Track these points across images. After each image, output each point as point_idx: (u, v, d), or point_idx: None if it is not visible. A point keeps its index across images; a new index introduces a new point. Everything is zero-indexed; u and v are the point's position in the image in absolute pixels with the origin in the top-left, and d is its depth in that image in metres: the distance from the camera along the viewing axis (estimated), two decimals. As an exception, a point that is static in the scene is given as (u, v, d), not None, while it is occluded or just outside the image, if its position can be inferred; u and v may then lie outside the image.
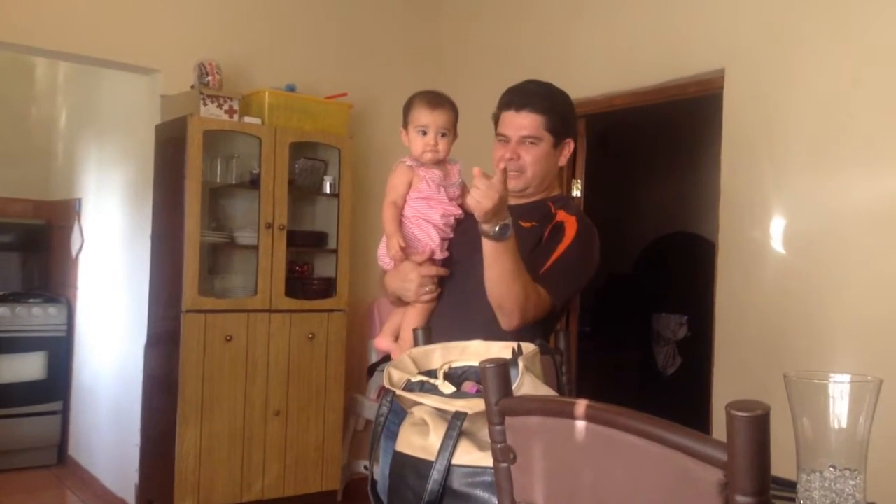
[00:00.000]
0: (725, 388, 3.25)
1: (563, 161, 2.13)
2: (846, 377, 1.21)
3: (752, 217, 3.19)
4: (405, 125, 2.12)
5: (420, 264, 2.04)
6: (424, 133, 2.06)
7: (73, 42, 3.71)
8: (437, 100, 2.09)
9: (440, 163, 2.10)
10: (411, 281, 2.02)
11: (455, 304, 2.04)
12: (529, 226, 2.01)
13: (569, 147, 2.11)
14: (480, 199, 1.75)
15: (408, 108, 2.12)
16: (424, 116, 2.06)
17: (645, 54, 3.66)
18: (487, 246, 1.83)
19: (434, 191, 2.07)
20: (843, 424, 1.18)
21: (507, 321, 1.87)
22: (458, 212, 2.10)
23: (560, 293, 1.94)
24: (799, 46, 3.06)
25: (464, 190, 2.12)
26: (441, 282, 2.08)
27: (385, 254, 2.11)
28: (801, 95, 3.05)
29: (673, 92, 3.60)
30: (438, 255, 2.06)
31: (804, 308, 2.97)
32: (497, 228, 1.82)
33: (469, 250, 2.05)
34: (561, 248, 1.95)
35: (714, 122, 3.40)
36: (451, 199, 2.09)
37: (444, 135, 2.07)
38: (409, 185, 2.07)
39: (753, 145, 3.21)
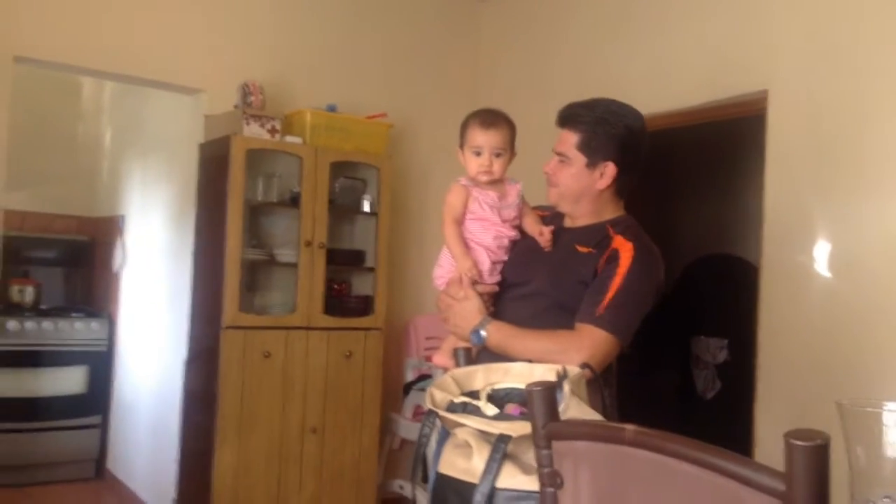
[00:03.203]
0: (769, 413, 3.19)
1: (601, 184, 2.01)
2: (902, 406, 1.19)
3: (796, 240, 3.14)
4: (461, 145, 2.08)
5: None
6: (479, 154, 2.02)
7: (120, 62, 3.79)
8: (491, 119, 2.04)
9: (497, 182, 2.06)
10: (469, 299, 1.98)
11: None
12: (587, 251, 1.98)
13: (608, 170, 2.00)
14: (452, 328, 2.00)
15: (463, 128, 2.08)
16: (478, 137, 2.02)
17: (687, 75, 3.64)
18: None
19: (488, 213, 2.03)
20: (899, 454, 1.16)
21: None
22: (513, 234, 2.08)
23: (621, 331, 1.88)
24: (843, 67, 3.02)
25: (522, 210, 2.11)
26: (495, 304, 2.06)
27: (440, 275, 2.10)
28: (846, 118, 3.00)
29: (714, 113, 3.58)
30: (487, 279, 2.04)
31: (851, 334, 2.91)
32: (473, 339, 1.92)
33: (525, 273, 2.04)
34: (616, 282, 1.89)
35: (755, 144, 3.36)
36: (505, 221, 2.06)
37: (498, 155, 2.03)
38: (466, 205, 2.04)
39: (798, 168, 3.17)
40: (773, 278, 3.23)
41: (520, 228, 2.11)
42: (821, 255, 3.06)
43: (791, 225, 3.16)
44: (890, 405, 1.20)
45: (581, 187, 2.03)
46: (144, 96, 4.60)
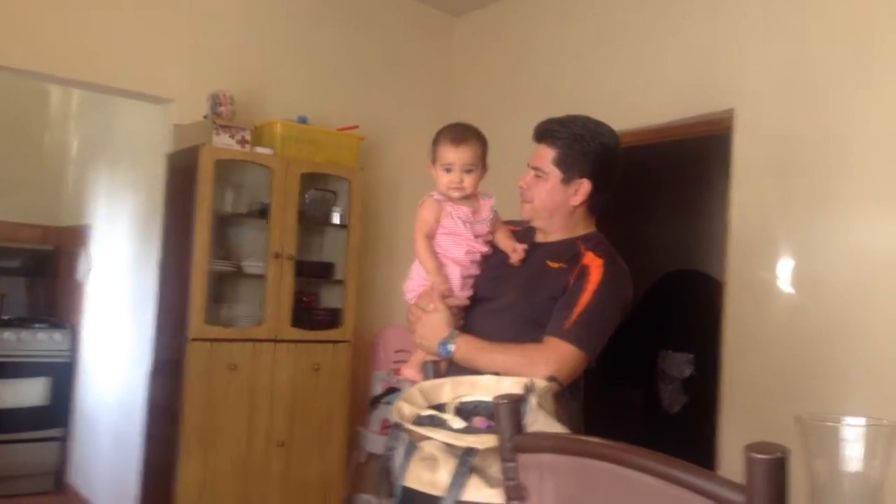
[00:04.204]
0: (732, 428, 3.23)
1: (576, 200, 2.03)
2: (861, 420, 1.21)
3: (761, 257, 3.19)
4: (433, 160, 2.07)
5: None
6: (449, 170, 2.02)
7: (88, 70, 3.75)
8: (461, 135, 2.03)
9: (470, 197, 2.06)
10: (439, 311, 1.97)
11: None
12: (557, 266, 1.99)
13: (583, 186, 2.02)
14: (419, 340, 1.99)
15: (434, 145, 2.07)
16: (449, 154, 2.01)
17: (656, 93, 3.69)
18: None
19: (461, 228, 2.03)
20: (858, 468, 1.18)
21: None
22: (485, 249, 2.07)
23: (589, 346, 1.89)
24: (808, 88, 3.08)
25: (495, 225, 2.12)
26: (465, 318, 2.06)
27: (411, 288, 2.09)
28: (810, 137, 3.06)
29: (682, 131, 3.63)
30: (459, 294, 2.04)
31: (813, 349, 2.96)
32: (440, 352, 1.92)
33: (496, 287, 2.05)
34: (585, 298, 1.90)
35: (722, 162, 3.42)
36: (478, 236, 2.06)
37: (469, 171, 2.02)
38: (439, 219, 2.03)
39: (762, 185, 3.22)
40: (737, 294, 3.28)
41: (491, 243, 2.11)
42: (784, 271, 3.11)
43: (755, 242, 3.21)
44: (849, 420, 1.22)
45: (556, 203, 2.04)
46: (113, 105, 4.55)
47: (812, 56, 3.09)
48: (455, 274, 2.03)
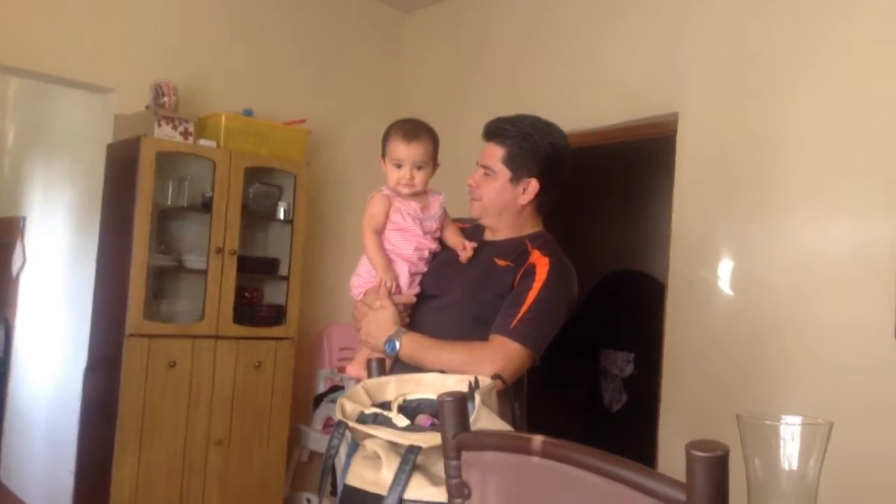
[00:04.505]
0: (672, 426, 3.28)
1: (523, 199, 2.04)
2: (797, 419, 1.23)
3: (701, 258, 3.25)
4: (383, 155, 2.06)
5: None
6: (400, 166, 2.00)
7: (26, 57, 3.63)
8: (412, 131, 2.02)
9: (419, 193, 2.05)
10: (385, 308, 1.96)
11: None
12: (505, 265, 1.99)
13: (531, 186, 2.02)
14: (365, 337, 1.98)
15: (385, 140, 2.05)
16: (400, 150, 2.00)
17: (603, 95, 3.73)
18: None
19: (410, 224, 2.02)
20: (794, 467, 1.20)
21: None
22: (434, 246, 2.06)
23: (535, 344, 1.90)
24: (750, 93, 3.15)
25: (444, 222, 2.11)
26: (412, 316, 2.04)
27: (357, 284, 2.07)
28: (751, 140, 3.13)
29: (628, 133, 3.67)
30: (406, 291, 2.02)
31: (753, 349, 3.02)
32: (386, 349, 1.92)
33: (444, 285, 2.04)
34: (530, 297, 1.90)
35: (666, 163, 3.47)
36: (427, 233, 2.05)
37: (420, 168, 2.01)
38: (388, 215, 2.01)
39: (704, 188, 3.28)
40: (678, 294, 3.33)
41: (440, 240, 2.10)
42: (724, 272, 3.17)
43: (696, 243, 3.27)
44: (788, 419, 1.24)
45: (504, 201, 2.04)
46: (52, 93, 4.42)
47: (753, 61, 3.15)
48: (403, 271, 2.01)
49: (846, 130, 2.85)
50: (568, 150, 2.09)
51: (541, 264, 1.95)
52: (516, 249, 2.02)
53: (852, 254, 2.79)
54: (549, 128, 2.06)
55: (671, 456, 3.21)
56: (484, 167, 2.05)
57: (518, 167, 2.02)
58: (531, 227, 2.10)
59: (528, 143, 2.01)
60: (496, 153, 2.03)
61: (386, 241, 2.02)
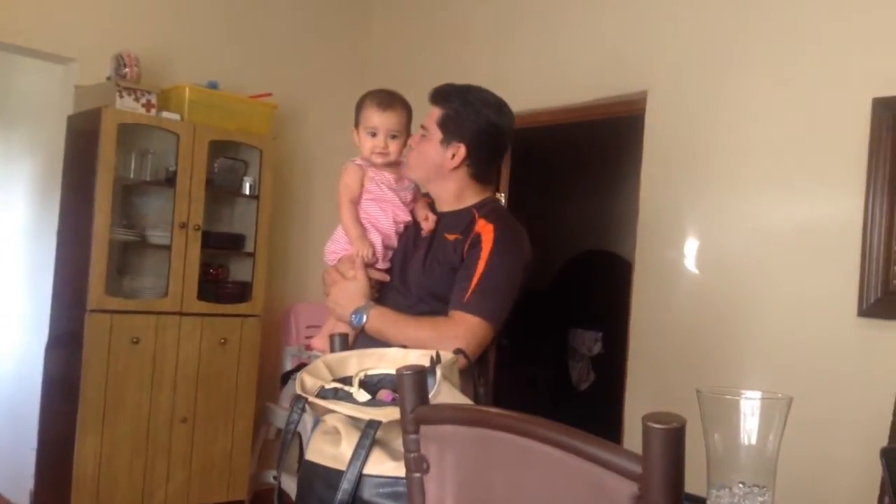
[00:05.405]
0: (638, 403, 3.30)
1: (450, 164, 1.99)
2: (757, 394, 1.23)
3: (668, 237, 3.25)
4: (356, 125, 2.04)
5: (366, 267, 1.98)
6: (374, 135, 1.99)
7: (-17, 25, 3.54)
8: (387, 100, 2.01)
9: (392, 165, 2.03)
10: (357, 280, 1.94)
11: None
12: (454, 238, 1.96)
13: (459, 151, 1.98)
14: (332, 304, 1.98)
15: (359, 108, 2.04)
16: (374, 118, 1.99)
17: (572, 73, 3.71)
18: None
19: (386, 193, 2.01)
20: (753, 441, 1.20)
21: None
22: (409, 218, 2.05)
23: (491, 315, 1.87)
24: (717, 72, 3.15)
25: (416, 194, 2.09)
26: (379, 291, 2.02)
27: (333, 250, 2.05)
28: (718, 120, 3.13)
29: (598, 111, 3.66)
30: (381, 265, 2.01)
31: (717, 326, 3.05)
32: (353, 320, 1.90)
33: (403, 261, 2.02)
34: (479, 268, 1.88)
35: (636, 143, 3.46)
36: (403, 203, 2.04)
37: (394, 137, 2.00)
38: (362, 185, 2.00)
39: (672, 167, 3.28)
40: (644, 273, 3.34)
41: (412, 212, 2.08)
42: (690, 251, 3.18)
43: (663, 222, 3.28)
44: (747, 394, 1.24)
45: (430, 161, 2.00)
46: (9, 63, 4.30)
47: (723, 38, 3.15)
48: (377, 241, 1.99)
49: (811, 108, 2.86)
50: (509, 130, 2.06)
51: (486, 232, 1.92)
52: (464, 220, 1.99)
53: (816, 232, 2.81)
54: (495, 104, 2.03)
55: (636, 433, 3.23)
56: (422, 128, 2.04)
57: (450, 131, 1.99)
58: (475, 196, 2.05)
59: (466, 109, 1.99)
60: (435, 115, 2.02)
61: (363, 210, 2.01)
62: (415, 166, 2.04)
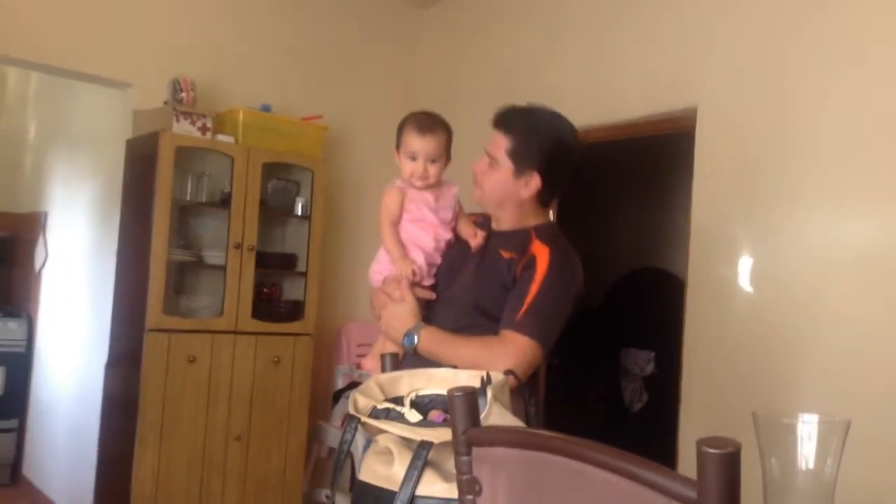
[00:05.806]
0: (692, 425, 3.24)
1: (525, 193, 2.00)
2: (815, 417, 1.21)
3: (721, 255, 3.20)
4: (397, 147, 2.06)
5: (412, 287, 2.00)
6: (414, 159, 2.01)
7: (46, 53, 3.67)
8: (427, 124, 2.03)
9: (433, 185, 2.05)
10: (406, 301, 1.96)
11: None
12: (509, 256, 1.97)
13: (533, 180, 1.99)
14: (384, 327, 2.00)
15: (399, 131, 2.06)
16: (414, 143, 2.01)
17: (621, 89, 3.69)
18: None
19: (426, 213, 2.02)
20: (811, 465, 1.17)
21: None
22: (450, 236, 2.07)
23: (542, 336, 1.87)
24: (770, 88, 3.10)
25: (458, 213, 2.10)
26: (426, 308, 2.04)
27: (377, 270, 2.07)
28: (771, 136, 3.08)
29: (647, 128, 3.63)
30: (426, 283, 2.03)
31: (772, 347, 2.98)
32: (405, 342, 1.91)
33: (451, 276, 2.03)
34: (532, 289, 1.88)
35: (686, 159, 3.43)
36: (443, 222, 2.05)
37: (433, 161, 2.02)
38: (402, 207, 2.02)
39: (724, 184, 3.24)
40: (697, 292, 3.29)
41: (454, 230, 2.10)
42: (743, 269, 3.13)
43: (716, 240, 3.23)
44: (805, 417, 1.22)
45: (505, 193, 2.02)
46: (72, 89, 4.45)
47: (774, 54, 3.10)
48: (420, 260, 2.01)
49: (865, 125, 2.80)
50: (576, 146, 2.06)
51: (541, 255, 1.93)
52: (520, 241, 2.00)
53: (871, 250, 2.74)
54: (558, 122, 2.04)
55: (691, 455, 3.17)
56: (489, 155, 2.04)
57: (522, 161, 1.99)
58: (536, 218, 2.07)
59: (534, 136, 1.99)
60: (502, 143, 2.01)
61: (404, 231, 2.03)
62: (489, 198, 2.05)
